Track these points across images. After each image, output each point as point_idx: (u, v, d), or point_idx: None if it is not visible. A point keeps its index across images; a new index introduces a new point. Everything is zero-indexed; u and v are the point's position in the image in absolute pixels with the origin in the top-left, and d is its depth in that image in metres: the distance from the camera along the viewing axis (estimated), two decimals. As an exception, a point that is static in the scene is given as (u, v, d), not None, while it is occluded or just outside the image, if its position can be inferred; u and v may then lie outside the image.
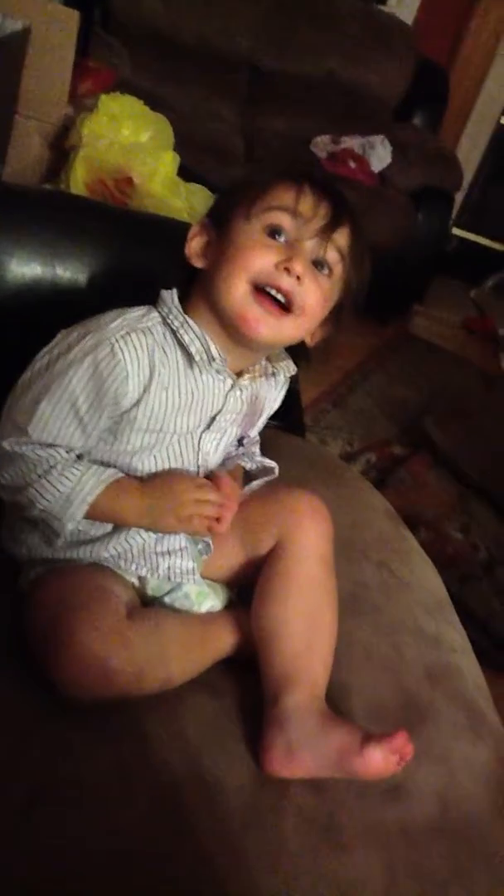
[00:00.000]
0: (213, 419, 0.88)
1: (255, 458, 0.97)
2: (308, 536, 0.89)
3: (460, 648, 1.02)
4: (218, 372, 0.85)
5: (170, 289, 0.86)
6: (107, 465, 0.84)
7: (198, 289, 0.86)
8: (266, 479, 0.95)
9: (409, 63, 3.16)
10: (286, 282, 0.80)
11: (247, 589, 0.91)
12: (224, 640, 0.87)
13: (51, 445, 0.80)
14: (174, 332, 0.83)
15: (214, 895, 0.68)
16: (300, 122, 3.08)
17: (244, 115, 3.08)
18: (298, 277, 0.80)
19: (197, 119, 2.82)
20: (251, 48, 3.08)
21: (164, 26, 2.95)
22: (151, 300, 0.86)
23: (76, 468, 0.80)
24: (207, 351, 0.83)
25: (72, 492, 0.79)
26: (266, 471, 0.96)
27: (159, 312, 0.84)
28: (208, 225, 0.86)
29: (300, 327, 0.84)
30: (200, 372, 0.85)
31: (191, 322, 0.83)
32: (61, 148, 1.79)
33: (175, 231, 1.32)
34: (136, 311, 0.84)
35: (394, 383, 2.75)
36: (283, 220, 0.81)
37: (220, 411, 0.87)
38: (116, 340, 0.79)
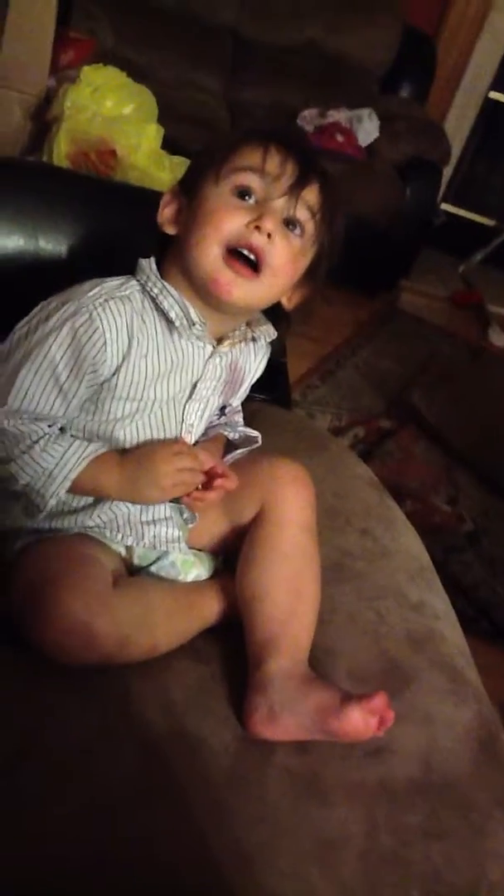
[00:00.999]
0: (194, 387, 0.88)
1: (238, 428, 0.97)
2: (290, 504, 0.90)
3: (443, 614, 1.04)
4: (198, 338, 0.86)
5: (147, 257, 0.86)
6: (90, 435, 0.85)
7: (172, 256, 0.86)
8: (248, 448, 0.96)
9: (395, 32, 3.14)
10: (257, 239, 0.80)
11: (232, 557, 0.92)
12: (210, 609, 0.88)
13: (33, 421, 0.80)
14: (153, 299, 0.84)
15: (200, 851, 0.69)
16: (286, 93, 3.06)
17: (229, 87, 3.05)
18: (269, 235, 0.80)
19: (180, 90, 2.80)
20: (234, 17, 3.06)
21: (147, -6, 2.92)
22: (132, 270, 0.87)
23: (59, 444, 0.80)
24: (187, 315, 0.84)
25: (55, 468, 0.80)
26: (249, 440, 0.97)
27: (137, 280, 0.85)
28: (179, 192, 0.87)
29: (273, 288, 0.84)
30: (180, 338, 0.85)
31: (169, 288, 0.84)
32: (43, 120, 1.78)
33: (158, 202, 1.32)
34: (115, 280, 0.84)
35: (381, 357, 2.76)
36: (251, 180, 0.82)
37: (200, 378, 0.88)
38: (95, 307, 0.80)
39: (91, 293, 0.81)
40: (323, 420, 2.27)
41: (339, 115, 2.98)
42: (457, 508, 2.03)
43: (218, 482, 0.85)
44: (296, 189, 0.82)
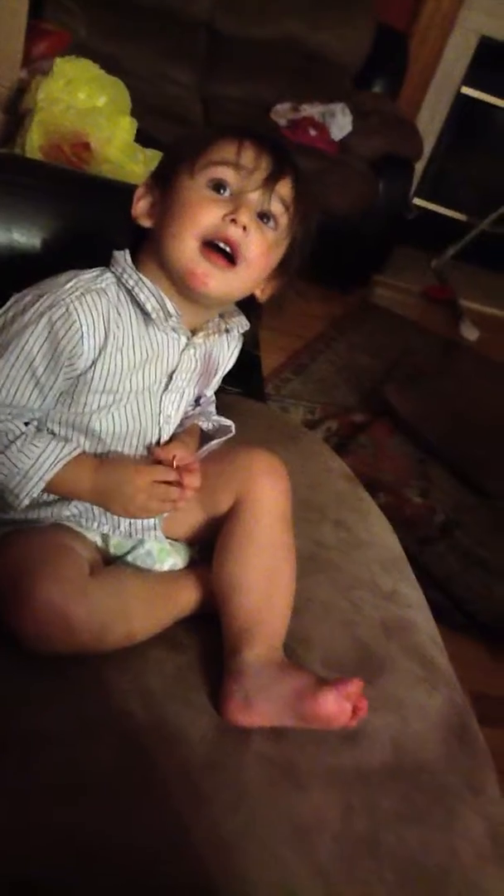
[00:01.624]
0: (170, 378, 0.88)
1: (212, 418, 0.98)
2: (266, 494, 0.91)
3: (416, 604, 1.06)
4: (174, 330, 0.86)
5: (121, 250, 0.86)
6: (66, 427, 0.85)
7: (147, 248, 0.86)
8: (223, 438, 0.96)
9: (368, 28, 3.15)
10: (233, 232, 0.81)
11: (208, 547, 0.93)
12: (186, 598, 0.89)
13: (9, 418, 0.80)
14: (129, 291, 0.84)
15: (177, 838, 0.70)
16: (259, 87, 3.06)
17: (202, 80, 3.04)
18: (245, 228, 0.81)
19: (154, 83, 2.79)
20: (209, 10, 3.05)
21: (121, -14, 2.90)
22: (107, 262, 0.87)
23: (35, 444, 0.80)
24: (163, 307, 0.84)
25: (30, 469, 0.80)
26: (223, 430, 0.97)
27: (112, 272, 0.85)
28: (153, 185, 0.87)
29: (248, 279, 0.85)
30: (156, 329, 0.86)
31: (145, 280, 0.84)
32: (15, 112, 1.76)
33: (132, 195, 1.32)
34: (90, 273, 0.84)
35: (355, 351, 2.77)
36: (226, 173, 0.82)
37: (175, 369, 0.88)
38: (72, 301, 0.80)
39: (67, 286, 0.81)
40: (296, 413, 2.28)
41: (312, 110, 2.99)
42: (429, 501, 2.05)
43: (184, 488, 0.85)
44: (270, 182, 0.83)
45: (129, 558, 0.89)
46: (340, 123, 2.98)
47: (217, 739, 0.78)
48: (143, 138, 1.81)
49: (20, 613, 0.75)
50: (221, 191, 0.83)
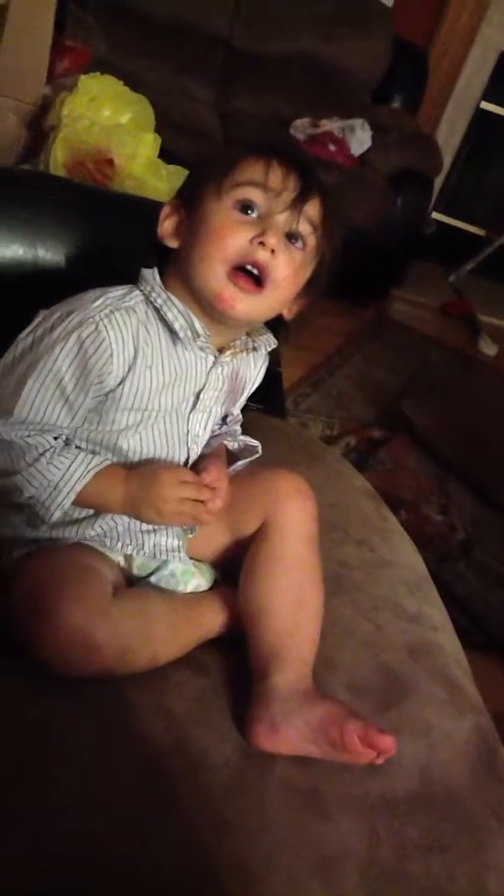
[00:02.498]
0: (198, 398, 0.88)
1: (239, 438, 0.97)
2: (293, 516, 0.90)
3: (441, 626, 1.04)
4: (201, 349, 0.86)
5: (150, 268, 0.86)
6: (94, 445, 0.84)
7: (173, 268, 0.86)
8: (249, 459, 0.96)
9: (387, 44, 3.16)
10: (261, 255, 0.81)
11: (232, 568, 0.92)
12: (210, 620, 0.88)
13: (39, 433, 0.80)
14: (157, 310, 0.84)
15: (200, 866, 0.69)
16: (277, 103, 3.07)
17: (220, 96, 3.06)
18: (273, 251, 0.81)
19: (173, 99, 2.80)
20: (227, 26, 3.07)
21: (140, 3, 2.92)
22: (133, 280, 0.87)
23: (65, 456, 0.80)
24: (191, 327, 0.84)
25: (60, 480, 0.80)
26: (249, 450, 0.97)
27: (141, 291, 0.85)
28: (178, 204, 0.86)
29: (276, 301, 0.84)
30: (183, 349, 0.85)
31: (174, 299, 0.84)
32: (39, 129, 1.78)
33: (155, 212, 1.32)
34: (118, 290, 0.84)
35: (373, 366, 2.77)
36: (254, 194, 0.82)
37: (203, 388, 0.88)
38: (101, 319, 0.80)
39: (96, 304, 0.81)
40: (314, 428, 2.27)
41: (331, 125, 3.00)
42: (449, 518, 2.03)
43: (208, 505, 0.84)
44: (298, 203, 0.82)
45: (153, 579, 0.88)
46: (360, 139, 2.99)
47: (240, 765, 0.77)
48: (162, 154, 1.82)
49: (42, 635, 0.74)
50: (249, 212, 0.82)
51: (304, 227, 0.83)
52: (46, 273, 1.12)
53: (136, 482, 0.83)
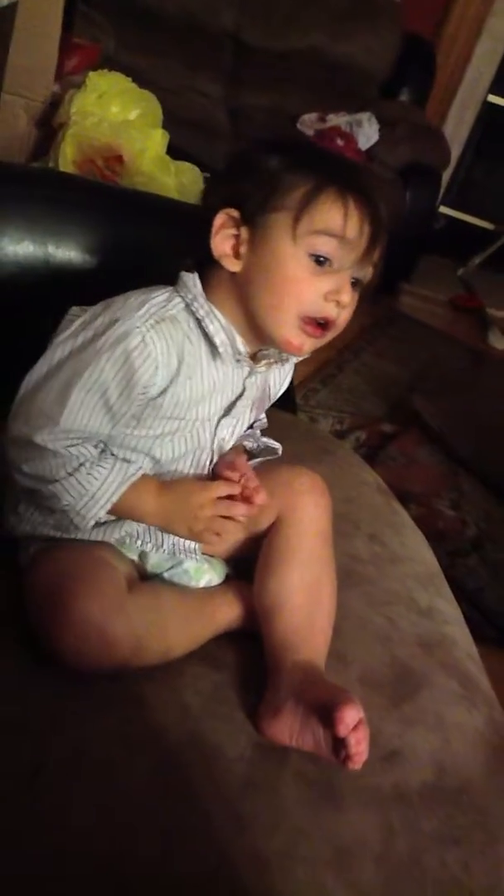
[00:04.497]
0: (231, 405, 0.88)
1: (260, 439, 0.98)
2: (309, 512, 0.91)
3: (453, 619, 1.04)
4: (238, 361, 0.85)
5: (188, 271, 0.84)
6: (127, 449, 0.84)
7: (224, 284, 0.83)
8: (266, 458, 0.96)
9: (395, 38, 3.14)
10: (333, 312, 0.81)
11: (244, 563, 0.93)
12: (223, 614, 0.88)
13: (81, 442, 0.79)
14: (198, 321, 0.82)
15: (217, 858, 0.69)
16: (286, 98, 3.07)
17: (229, 92, 3.05)
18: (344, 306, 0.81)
19: (181, 95, 2.80)
20: (235, 22, 3.06)
21: (148, 0, 2.92)
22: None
23: (102, 466, 0.80)
24: (233, 344, 0.83)
25: (97, 490, 0.79)
26: (269, 451, 0.97)
27: (182, 297, 0.83)
28: (237, 220, 0.81)
29: (332, 336, 0.85)
30: (222, 361, 0.85)
31: (217, 313, 0.82)
32: (49, 126, 1.78)
33: (167, 208, 1.33)
34: (160, 295, 0.82)
35: (383, 361, 2.76)
36: (330, 247, 0.79)
37: (238, 397, 0.88)
38: (147, 330, 0.78)
39: (140, 312, 0.79)
40: (325, 424, 2.27)
41: (338, 120, 2.99)
42: (460, 513, 2.03)
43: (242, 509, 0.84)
44: (370, 253, 0.81)
45: (166, 575, 0.89)
46: (367, 133, 2.98)
47: (255, 758, 0.78)
48: (170, 150, 1.82)
49: (57, 629, 0.75)
50: (323, 261, 0.80)
51: (368, 272, 0.83)
52: (58, 270, 1.13)
53: (170, 497, 0.83)
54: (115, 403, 0.79)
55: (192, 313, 0.83)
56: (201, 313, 0.82)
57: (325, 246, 0.79)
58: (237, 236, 0.81)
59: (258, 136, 2.77)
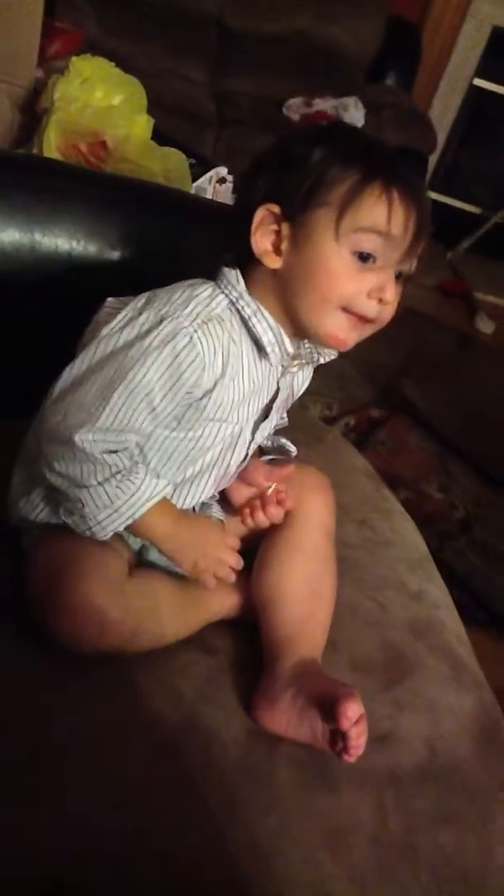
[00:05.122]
0: (268, 407, 0.87)
1: (278, 440, 0.98)
2: (316, 508, 0.92)
3: (442, 603, 1.05)
4: (279, 361, 0.84)
5: (231, 268, 0.82)
6: (164, 454, 0.83)
7: (266, 282, 0.81)
8: (278, 457, 0.96)
9: (379, 20, 3.13)
10: (376, 308, 0.79)
11: (242, 555, 0.93)
12: (218, 602, 0.89)
13: (117, 451, 0.77)
14: (242, 319, 0.81)
15: (213, 841, 0.70)
16: (271, 83, 3.05)
17: (214, 77, 3.03)
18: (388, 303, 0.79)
19: (165, 80, 2.78)
20: (218, 6, 3.04)
21: (131, -17, 2.89)
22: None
23: (131, 480, 0.77)
24: (281, 345, 0.82)
25: (123, 505, 0.77)
26: (282, 451, 0.98)
27: (224, 294, 0.81)
28: (279, 216, 0.79)
29: (375, 330, 0.83)
30: (267, 361, 0.83)
31: (265, 313, 0.81)
32: (32, 112, 1.76)
33: (153, 194, 1.32)
34: (203, 290, 0.80)
35: (371, 347, 2.73)
36: (375, 244, 0.77)
37: (273, 398, 0.87)
38: (195, 330, 0.76)
39: (187, 311, 0.77)
40: (314, 409, 2.27)
41: (324, 104, 2.98)
42: (449, 496, 2.04)
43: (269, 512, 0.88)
44: (414, 248, 0.79)
45: (164, 564, 0.88)
46: (353, 117, 2.96)
47: (249, 742, 0.78)
48: (155, 136, 1.81)
49: (57, 609, 0.75)
50: (367, 260, 0.77)
51: (413, 265, 0.81)
52: (44, 258, 1.12)
53: (187, 528, 0.83)
54: (160, 405, 0.77)
55: (237, 311, 0.81)
56: (247, 312, 0.80)
57: (370, 244, 0.77)
58: (278, 232, 0.79)
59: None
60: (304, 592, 0.87)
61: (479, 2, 3.45)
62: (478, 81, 3.65)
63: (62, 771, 0.71)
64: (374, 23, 3.14)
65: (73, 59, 1.69)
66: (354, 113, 2.97)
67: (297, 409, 1.04)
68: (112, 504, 0.77)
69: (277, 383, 0.87)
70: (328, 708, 0.75)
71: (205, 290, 0.80)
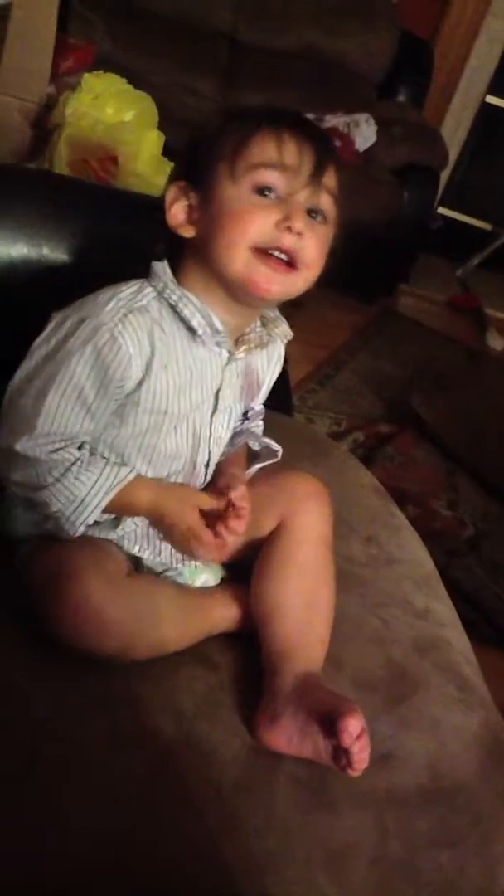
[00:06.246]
0: (217, 398, 0.87)
1: (262, 440, 0.97)
2: (310, 518, 0.91)
3: (448, 621, 1.04)
4: (218, 344, 0.84)
5: (160, 260, 0.83)
6: (118, 452, 0.84)
7: (189, 257, 0.83)
8: (266, 462, 0.96)
9: (391, 37, 3.14)
10: (288, 240, 0.78)
11: (241, 566, 0.92)
12: (219, 614, 0.88)
13: (64, 446, 0.79)
14: (172, 307, 0.82)
15: (210, 860, 0.69)
16: (283, 98, 3.05)
17: (225, 92, 3.05)
18: (299, 233, 0.78)
19: (177, 95, 2.79)
20: (230, 21, 3.05)
21: (143, 0, 2.91)
22: (141, 276, 0.85)
23: (91, 470, 0.79)
24: (210, 324, 0.82)
25: (86, 496, 0.79)
26: (270, 453, 0.97)
27: (153, 287, 0.82)
28: (186, 187, 0.82)
29: (308, 280, 0.82)
30: (199, 347, 0.83)
31: (189, 295, 0.82)
32: (43, 127, 1.78)
33: (161, 209, 1.32)
34: (129, 288, 0.82)
35: (380, 362, 2.76)
36: (271, 177, 0.78)
37: (220, 387, 0.87)
38: (115, 324, 0.78)
39: (108, 307, 0.78)
40: (322, 425, 2.27)
41: (336, 121, 2.99)
42: (457, 513, 2.03)
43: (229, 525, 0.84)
44: (317, 177, 0.79)
45: (160, 577, 0.89)
46: (365, 133, 2.98)
47: (248, 760, 0.78)
48: (165, 151, 1.82)
49: (58, 608, 0.75)
50: (268, 193, 0.79)
51: (325, 200, 0.81)
52: (52, 272, 1.12)
53: (167, 491, 0.84)
54: (94, 402, 0.79)
55: (165, 301, 0.82)
56: (174, 299, 0.81)
57: (266, 176, 0.78)
58: (190, 205, 0.82)
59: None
60: (300, 606, 0.86)
61: (491, 18, 3.46)
62: (490, 98, 3.66)
63: (56, 788, 0.70)
64: (385, 39, 3.15)
65: (85, 75, 1.70)
66: (366, 129, 2.98)
67: (303, 424, 1.03)
68: (76, 497, 0.79)
69: (223, 371, 0.86)
70: (329, 724, 0.75)
71: (130, 287, 0.82)
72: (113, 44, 2.75)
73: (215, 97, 3.02)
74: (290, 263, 0.79)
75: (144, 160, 1.61)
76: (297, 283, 0.81)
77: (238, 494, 0.85)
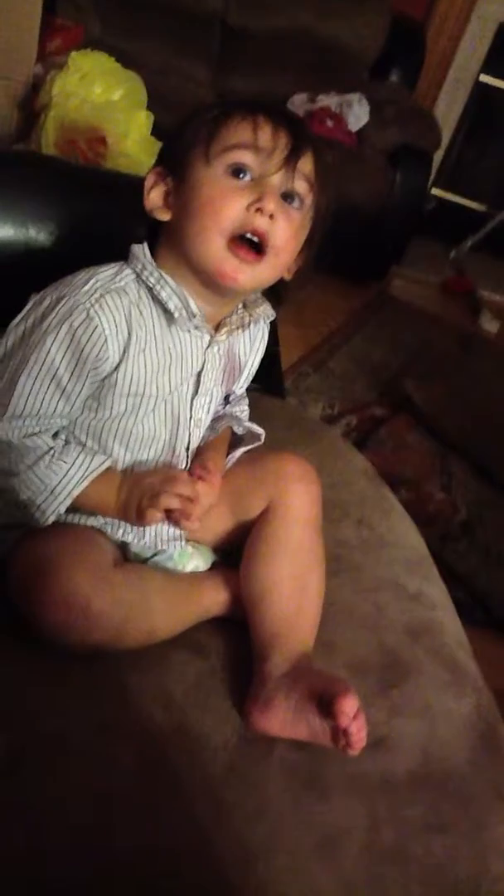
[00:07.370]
0: (198, 381, 0.86)
1: (244, 424, 0.96)
2: (298, 500, 0.90)
3: (441, 605, 1.03)
4: (196, 328, 0.83)
5: (139, 243, 0.83)
6: (94, 435, 0.83)
7: (165, 242, 0.83)
8: (249, 447, 0.95)
9: (384, 17, 3.11)
10: (260, 222, 0.77)
11: (231, 550, 0.92)
12: (209, 599, 0.87)
13: (38, 432, 0.78)
14: (149, 289, 0.81)
15: (201, 846, 0.69)
16: (275, 80, 3.03)
17: (217, 75, 3.02)
18: (271, 216, 0.77)
19: (169, 78, 2.76)
20: (222, 4, 3.02)
21: (134, -21, 2.88)
22: (125, 258, 0.84)
23: (63, 460, 0.79)
24: (186, 307, 0.81)
25: (57, 485, 0.78)
26: (253, 437, 0.96)
27: (132, 269, 0.82)
28: (164, 172, 0.82)
29: (277, 267, 0.81)
30: (179, 329, 0.83)
31: (167, 277, 0.81)
32: (31, 108, 1.75)
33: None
34: (108, 270, 0.81)
35: (373, 345, 2.75)
36: (245, 157, 0.78)
37: (201, 370, 0.86)
38: (91, 304, 0.77)
39: (85, 287, 0.78)
40: (315, 409, 2.26)
41: (328, 101, 2.96)
42: (450, 496, 2.02)
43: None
44: (291, 161, 0.78)
45: (150, 562, 0.88)
46: (357, 114, 2.95)
47: (240, 747, 0.77)
48: (156, 133, 1.79)
49: (43, 600, 0.74)
50: (241, 175, 0.78)
51: (300, 185, 0.80)
52: (38, 254, 1.11)
53: (127, 487, 0.82)
54: (68, 384, 0.78)
55: (143, 283, 0.81)
56: (152, 281, 0.81)
57: (239, 157, 0.78)
58: (167, 190, 0.82)
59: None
60: (290, 588, 0.85)
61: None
62: (483, 78, 3.63)
63: (44, 780, 0.69)
64: (377, 19, 3.12)
65: (73, 54, 1.67)
66: (358, 109, 2.95)
67: (295, 408, 1.02)
68: (46, 487, 0.78)
69: (204, 354, 0.85)
70: (324, 705, 0.74)
71: (110, 268, 0.81)
72: (103, 26, 2.71)
73: (208, 80, 2.99)
74: (260, 250, 0.79)
75: (134, 140, 1.58)
76: (266, 270, 0.81)
77: (200, 471, 0.85)
